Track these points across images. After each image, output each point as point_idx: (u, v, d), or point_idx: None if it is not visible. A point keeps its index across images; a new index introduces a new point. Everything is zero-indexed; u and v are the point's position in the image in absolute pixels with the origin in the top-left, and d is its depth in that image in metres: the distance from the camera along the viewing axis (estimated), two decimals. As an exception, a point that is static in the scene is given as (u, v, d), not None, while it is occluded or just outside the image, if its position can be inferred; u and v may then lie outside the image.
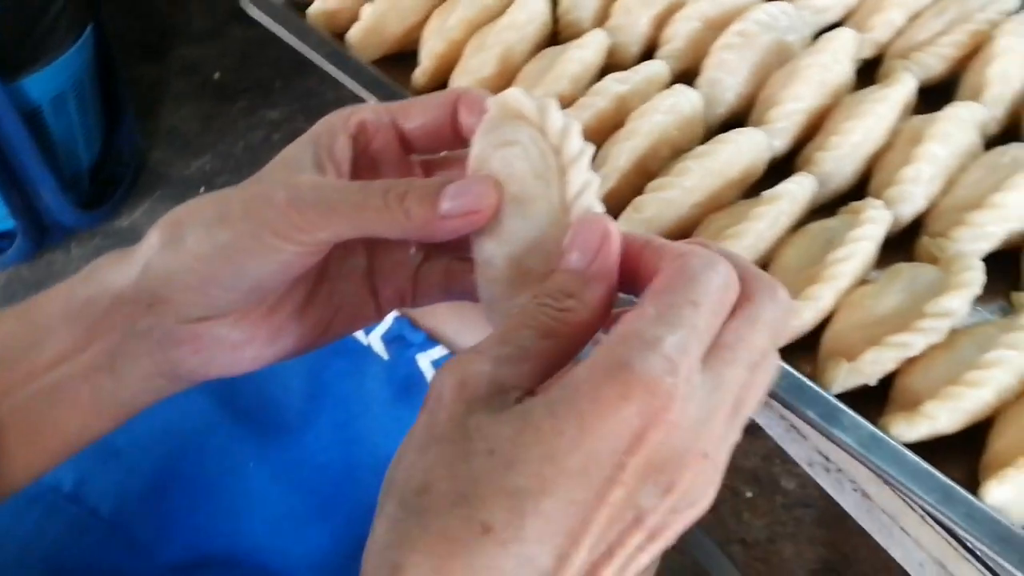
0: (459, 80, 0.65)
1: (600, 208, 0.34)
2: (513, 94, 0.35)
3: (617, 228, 0.33)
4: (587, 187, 0.34)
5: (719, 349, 0.31)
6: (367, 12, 0.68)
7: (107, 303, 0.37)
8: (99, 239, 1.76)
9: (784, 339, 0.33)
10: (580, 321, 0.32)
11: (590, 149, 0.34)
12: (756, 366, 0.31)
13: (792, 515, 1.49)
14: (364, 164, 0.39)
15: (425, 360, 0.72)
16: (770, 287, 0.32)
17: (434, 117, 0.39)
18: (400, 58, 0.72)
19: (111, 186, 1.75)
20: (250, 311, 0.38)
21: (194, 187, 1.86)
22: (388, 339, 0.69)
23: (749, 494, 1.50)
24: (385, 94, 0.66)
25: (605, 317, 0.32)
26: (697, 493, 0.30)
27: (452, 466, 0.29)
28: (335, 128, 0.38)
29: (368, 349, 0.70)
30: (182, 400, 0.42)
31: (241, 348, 0.38)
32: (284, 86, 2.11)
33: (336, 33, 0.72)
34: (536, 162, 0.34)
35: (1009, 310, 0.55)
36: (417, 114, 0.39)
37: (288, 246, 0.35)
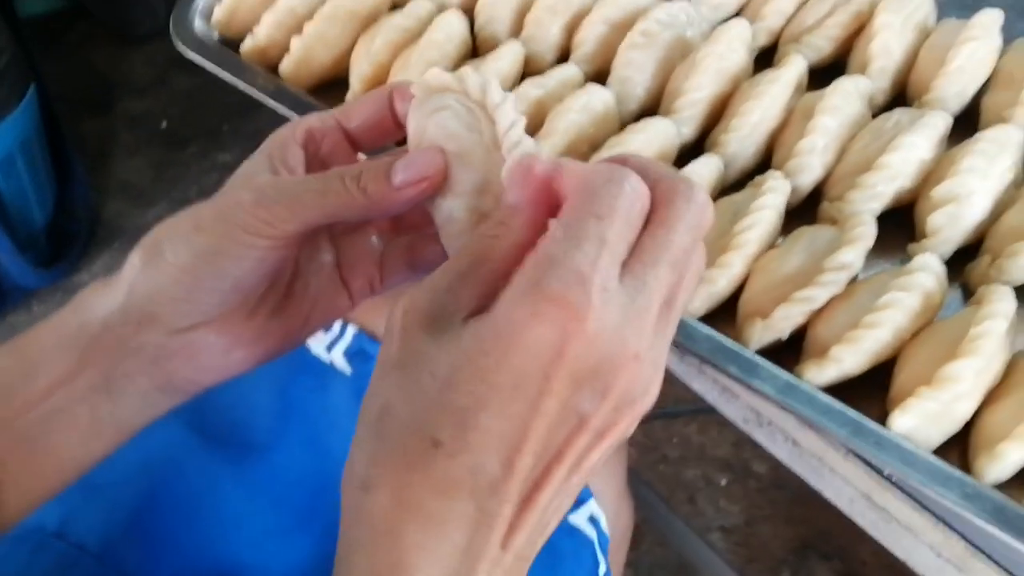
0: (388, 100, 0.70)
1: (529, 141, 0.38)
2: (433, 72, 0.40)
3: (546, 159, 0.35)
4: (514, 125, 0.38)
5: (638, 254, 0.33)
6: (296, 45, 0.72)
7: (97, 328, 0.40)
8: (60, 295, 1.77)
9: (703, 232, 0.35)
10: (509, 243, 0.34)
11: (511, 95, 0.38)
12: (679, 264, 0.34)
13: (767, 497, 1.53)
14: (316, 167, 0.43)
15: (384, 363, 0.75)
16: (685, 189, 0.34)
17: (373, 112, 0.43)
18: (332, 85, 0.76)
19: (68, 243, 1.76)
20: (233, 314, 0.41)
21: (151, 235, 1.89)
22: (350, 354, 0.72)
23: (723, 481, 1.54)
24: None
25: (535, 238, 0.34)
26: (637, 391, 0.33)
27: (403, 389, 0.32)
28: (285, 139, 0.42)
29: (331, 366, 0.72)
30: (156, 430, 0.44)
31: (230, 351, 0.41)
32: (232, 129, 2.14)
33: (269, 67, 0.76)
34: (466, 118, 0.39)
35: (908, 262, 0.60)
36: (358, 113, 0.43)
37: (261, 241, 0.38)
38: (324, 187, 0.39)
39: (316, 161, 0.43)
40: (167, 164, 2.06)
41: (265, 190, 0.39)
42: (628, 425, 0.34)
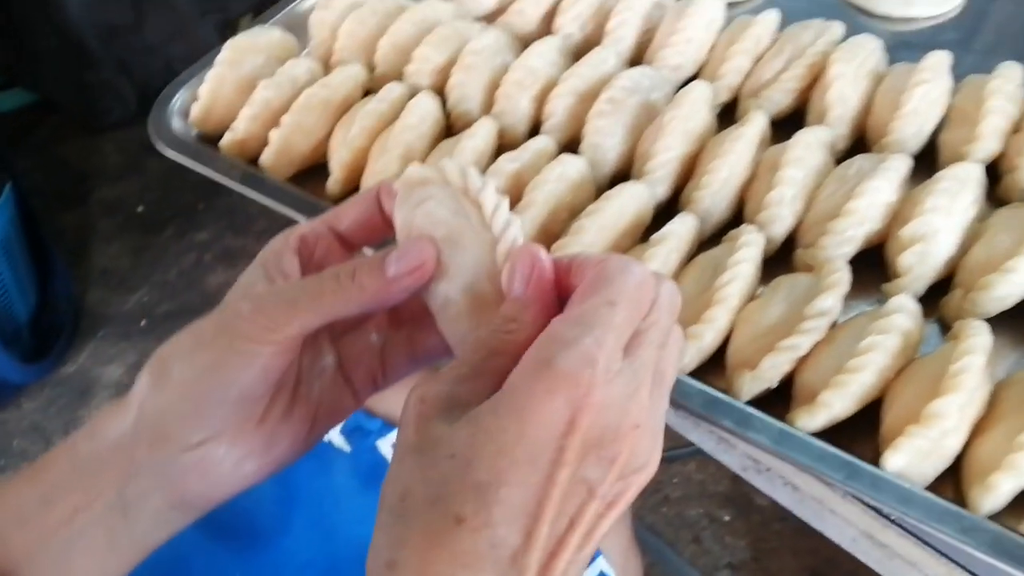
0: (369, 182, 0.71)
1: (516, 221, 0.41)
2: (412, 168, 0.42)
3: (546, 253, 0.38)
4: (499, 208, 0.40)
5: (634, 337, 0.36)
6: (275, 136, 0.75)
7: (110, 450, 0.40)
8: (48, 389, 1.77)
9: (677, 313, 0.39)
10: (522, 339, 0.37)
11: (492, 179, 0.41)
12: (664, 344, 0.37)
13: (771, 530, 1.53)
14: (311, 273, 0.44)
15: (386, 445, 0.76)
16: (659, 280, 0.38)
17: (362, 213, 0.44)
18: (311, 172, 0.78)
19: (52, 335, 1.76)
20: (242, 425, 0.41)
21: (135, 321, 1.89)
22: (347, 432, 0.73)
23: (727, 517, 1.55)
24: (304, 207, 0.72)
25: (538, 333, 0.37)
26: (640, 459, 0.36)
27: (423, 471, 0.34)
28: (279, 248, 0.43)
29: (329, 445, 0.73)
30: None
31: (241, 463, 0.41)
32: (207, 207, 2.16)
33: (249, 159, 0.78)
34: (450, 204, 0.41)
35: (884, 301, 0.62)
36: (347, 215, 0.44)
37: (263, 348, 0.39)
38: (320, 288, 0.40)
39: (311, 266, 0.44)
40: (145, 248, 2.07)
41: (262, 297, 0.40)
42: (633, 494, 0.36)
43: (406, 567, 0.33)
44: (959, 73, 0.71)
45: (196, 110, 0.79)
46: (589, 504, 0.35)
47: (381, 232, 0.45)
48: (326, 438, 0.71)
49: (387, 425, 0.73)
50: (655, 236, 0.62)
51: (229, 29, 2.36)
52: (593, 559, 0.72)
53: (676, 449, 1.48)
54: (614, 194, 0.64)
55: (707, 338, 0.58)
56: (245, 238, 2.09)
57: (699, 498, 1.55)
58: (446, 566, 0.32)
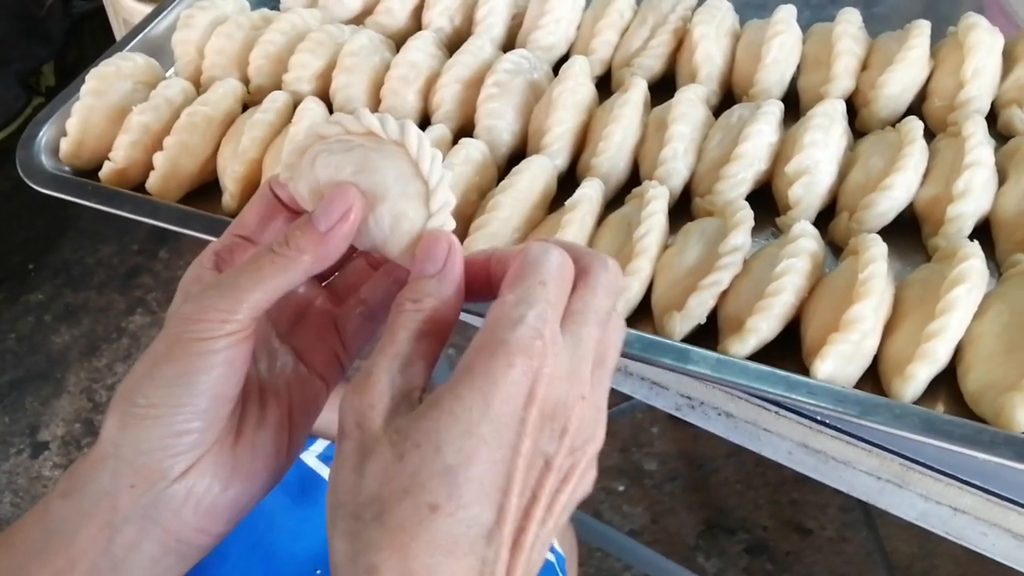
0: (268, 193, 0.71)
1: (448, 175, 0.41)
2: (285, 151, 0.42)
3: (456, 246, 0.39)
4: (386, 118, 0.41)
5: (571, 315, 0.37)
6: (160, 159, 0.73)
7: (89, 506, 0.38)
8: None
9: (620, 296, 0.41)
10: (441, 318, 0.38)
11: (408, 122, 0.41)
12: (605, 323, 0.39)
13: (663, 492, 1.60)
14: None
15: (311, 458, 0.75)
16: (600, 259, 0.40)
17: (262, 210, 0.44)
18: (200, 193, 0.77)
19: None
20: (221, 444, 0.40)
21: (-20, 395, 1.77)
22: None
23: (621, 488, 1.60)
24: (203, 225, 0.70)
25: (458, 314, 0.39)
26: (588, 431, 0.37)
27: (389, 470, 0.34)
28: (195, 271, 0.42)
29: None
30: None
31: (230, 485, 0.40)
32: (39, 266, 2.04)
33: (132, 187, 0.75)
34: (342, 145, 0.41)
35: (779, 233, 0.67)
36: (250, 218, 0.44)
37: (220, 342, 0.38)
38: (258, 265, 0.39)
39: None
40: (-24, 318, 1.94)
41: (203, 295, 0.39)
42: (584, 469, 0.38)
43: (387, 568, 0.33)
44: (800, 26, 0.77)
45: (67, 144, 0.76)
46: (547, 476, 0.36)
47: (288, 220, 0.45)
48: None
49: (308, 438, 0.73)
50: (569, 202, 0.65)
51: (32, 78, 2.24)
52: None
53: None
54: (522, 168, 0.67)
55: (635, 288, 0.62)
56: (86, 292, 1.99)
57: (592, 474, 1.61)
58: (427, 556, 0.33)
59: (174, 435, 0.38)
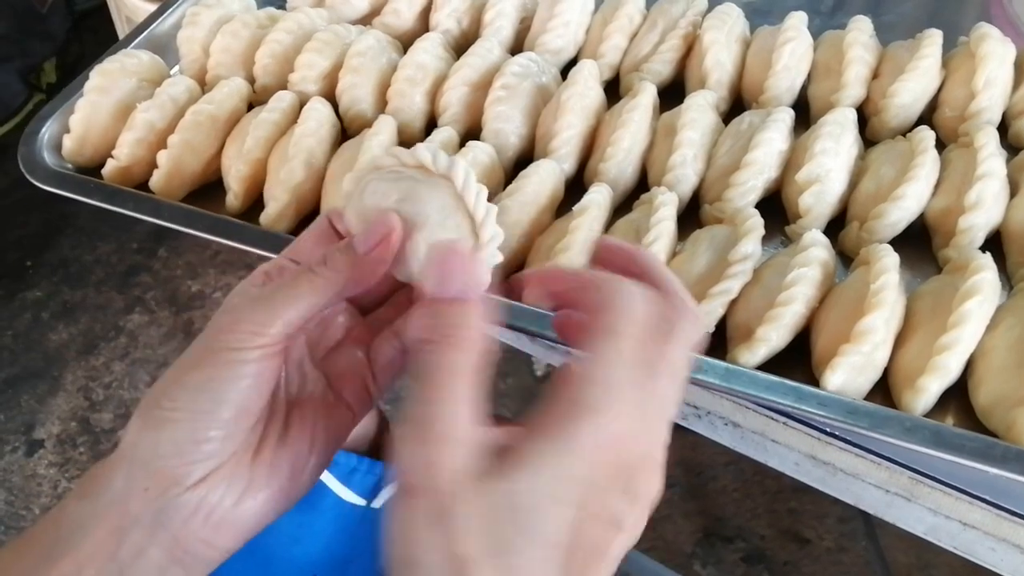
0: (272, 192, 0.70)
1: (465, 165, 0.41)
2: (346, 180, 0.42)
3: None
4: (438, 152, 0.41)
5: (652, 367, 0.36)
6: (163, 158, 0.72)
7: (102, 509, 0.38)
8: None
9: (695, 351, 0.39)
10: (487, 349, 0.37)
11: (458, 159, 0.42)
12: (677, 377, 0.37)
13: (661, 499, 1.59)
14: None
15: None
16: (688, 310, 0.38)
17: (318, 240, 0.44)
18: (204, 191, 0.76)
19: None
20: (239, 457, 0.39)
21: (-25, 390, 1.76)
22: None
23: (617, 493, 1.60)
24: (206, 225, 0.69)
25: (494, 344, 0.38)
26: (653, 488, 0.37)
27: (475, 529, 0.32)
28: (242, 287, 0.42)
29: None
30: None
31: (243, 500, 0.39)
32: (37, 263, 2.03)
33: (135, 186, 0.75)
34: (393, 174, 0.42)
35: (788, 241, 0.67)
36: (305, 245, 0.44)
37: (250, 354, 0.38)
38: (296, 282, 0.40)
39: None
40: (-25, 314, 1.93)
41: (240, 306, 0.40)
42: (644, 520, 0.37)
43: None
44: (810, 34, 0.77)
45: (70, 141, 0.76)
46: (617, 537, 0.35)
47: None
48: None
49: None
50: (576, 207, 0.64)
51: (33, 75, 2.24)
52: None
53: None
54: (530, 172, 0.66)
55: (642, 295, 0.61)
56: (84, 290, 1.98)
57: (590, 480, 1.60)
58: None
59: (193, 441, 0.38)
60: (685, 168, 0.67)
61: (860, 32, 0.73)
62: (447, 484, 0.33)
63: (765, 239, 0.63)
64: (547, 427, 0.34)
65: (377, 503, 0.75)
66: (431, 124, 0.76)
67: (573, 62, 0.77)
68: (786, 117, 0.68)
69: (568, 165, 0.70)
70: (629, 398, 0.35)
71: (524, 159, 0.72)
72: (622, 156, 0.69)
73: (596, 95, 0.73)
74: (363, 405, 0.45)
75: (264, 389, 0.39)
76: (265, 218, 0.69)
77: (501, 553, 0.32)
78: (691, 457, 1.63)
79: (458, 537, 0.32)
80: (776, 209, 0.68)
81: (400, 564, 0.33)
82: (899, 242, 0.62)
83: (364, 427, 0.77)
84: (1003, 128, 0.72)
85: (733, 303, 0.60)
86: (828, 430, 0.60)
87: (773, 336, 0.58)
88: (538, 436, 0.34)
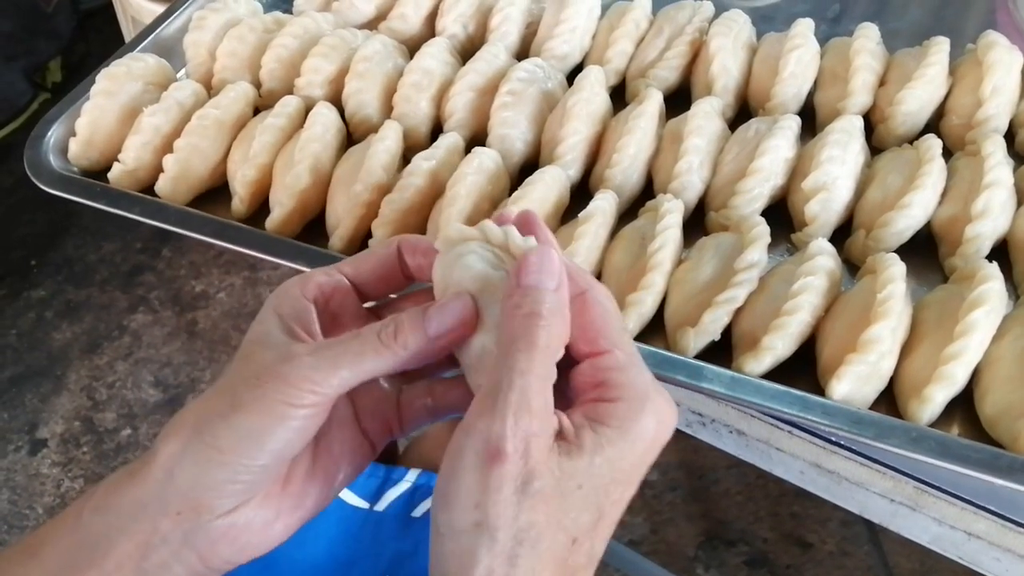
0: (278, 197, 0.70)
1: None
2: (453, 226, 0.43)
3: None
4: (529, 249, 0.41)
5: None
6: (170, 162, 0.72)
7: (127, 522, 0.38)
8: None
9: None
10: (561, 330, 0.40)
11: (532, 239, 0.42)
12: None
13: (664, 502, 1.60)
14: (326, 322, 0.43)
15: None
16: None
17: (381, 266, 0.45)
18: (210, 195, 0.76)
19: None
20: (270, 488, 0.40)
21: (-22, 391, 1.77)
22: None
23: (620, 496, 1.60)
24: (212, 230, 0.70)
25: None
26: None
27: (551, 503, 0.36)
28: (294, 297, 0.43)
29: None
30: None
31: (271, 525, 0.41)
32: (41, 262, 2.03)
33: (141, 189, 0.75)
34: (490, 257, 0.41)
35: (794, 249, 0.67)
36: (367, 267, 0.45)
37: (303, 411, 0.39)
38: (362, 347, 0.40)
39: (326, 315, 0.44)
40: (-21, 312, 1.93)
41: (302, 359, 0.39)
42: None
43: None
44: (816, 41, 0.77)
45: (76, 145, 0.76)
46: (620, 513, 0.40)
47: (397, 285, 0.46)
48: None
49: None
50: (582, 214, 0.64)
51: (38, 74, 2.24)
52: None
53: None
54: (536, 179, 0.66)
55: (648, 303, 0.61)
56: (88, 289, 1.98)
57: (592, 482, 1.60)
58: None
59: (232, 480, 0.39)
60: (691, 175, 0.67)
61: (867, 39, 0.73)
62: (540, 456, 0.36)
63: (771, 247, 0.63)
64: (616, 415, 0.38)
65: (380, 506, 0.75)
66: (437, 129, 0.76)
67: (579, 68, 0.77)
68: (792, 124, 0.68)
69: (574, 171, 0.70)
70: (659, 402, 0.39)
71: (530, 165, 0.72)
72: (628, 163, 0.69)
73: (602, 101, 0.73)
74: (382, 443, 0.46)
75: (304, 440, 0.40)
76: (271, 223, 0.69)
77: (567, 528, 0.36)
78: (693, 460, 1.63)
79: (536, 505, 0.36)
80: (782, 217, 0.68)
81: (470, 527, 0.36)
82: (905, 251, 0.62)
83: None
84: (1010, 136, 0.71)
85: (739, 311, 0.60)
86: (833, 439, 0.60)
87: (779, 345, 0.57)
88: (609, 423, 0.37)
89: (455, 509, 0.36)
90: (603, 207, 0.65)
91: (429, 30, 0.84)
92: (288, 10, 0.88)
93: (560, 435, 0.37)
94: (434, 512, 0.37)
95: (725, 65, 0.74)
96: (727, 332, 0.61)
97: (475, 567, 0.35)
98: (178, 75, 0.84)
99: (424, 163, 0.68)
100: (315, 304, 0.43)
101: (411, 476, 0.76)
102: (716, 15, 0.79)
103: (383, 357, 0.40)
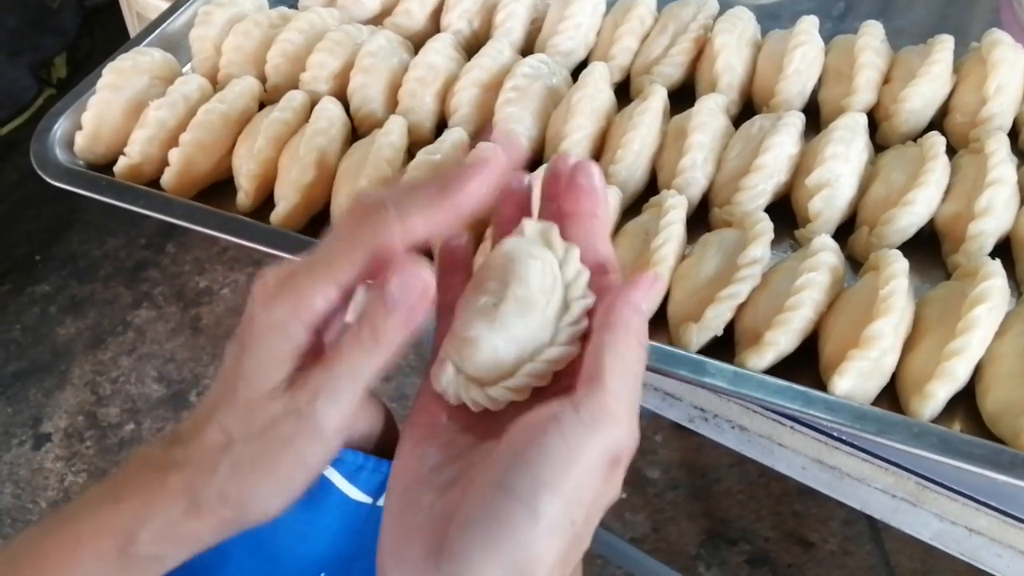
0: (283, 191, 0.70)
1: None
2: (539, 227, 0.42)
3: None
4: (578, 323, 0.40)
5: None
6: (175, 156, 0.72)
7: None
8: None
9: None
10: None
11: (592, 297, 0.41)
12: None
13: (666, 500, 1.60)
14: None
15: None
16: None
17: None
18: (215, 189, 0.76)
19: None
20: None
21: (-18, 385, 1.77)
22: None
23: (623, 495, 1.60)
24: (217, 223, 0.70)
25: None
26: None
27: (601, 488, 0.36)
28: (293, 333, 0.39)
29: None
30: None
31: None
32: (45, 257, 2.04)
33: (146, 183, 0.75)
34: (547, 280, 0.40)
35: (797, 246, 0.67)
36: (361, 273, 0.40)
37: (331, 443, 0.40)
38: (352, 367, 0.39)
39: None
40: (-19, 308, 1.94)
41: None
42: None
43: None
44: (821, 38, 0.77)
45: (82, 138, 0.76)
46: None
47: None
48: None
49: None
50: (586, 209, 0.64)
51: (44, 70, 2.24)
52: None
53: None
54: (540, 174, 0.66)
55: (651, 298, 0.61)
56: (92, 284, 1.99)
57: (594, 480, 1.60)
58: None
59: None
60: (695, 171, 0.68)
61: (871, 37, 0.73)
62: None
63: (774, 243, 0.63)
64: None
65: (383, 501, 0.75)
66: (441, 125, 0.76)
67: (584, 64, 0.77)
68: (797, 121, 0.68)
69: (578, 167, 0.70)
70: None
71: (535, 161, 0.73)
72: (632, 159, 0.69)
73: (606, 97, 0.73)
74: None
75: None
76: (275, 217, 0.69)
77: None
78: (695, 459, 1.63)
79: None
80: (785, 213, 0.68)
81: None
82: (908, 247, 0.62)
83: (370, 425, 0.77)
84: (1014, 134, 0.71)
85: (741, 307, 0.60)
86: (835, 435, 0.60)
87: (781, 340, 0.58)
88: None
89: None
90: (609, 203, 0.65)
91: (434, 26, 0.84)
92: (293, 5, 0.88)
93: None
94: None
95: (729, 62, 0.74)
96: (730, 328, 0.61)
97: (547, 550, 0.34)
98: (184, 70, 0.84)
99: (430, 158, 0.68)
100: (316, 335, 0.40)
101: None
102: (721, 12, 0.79)
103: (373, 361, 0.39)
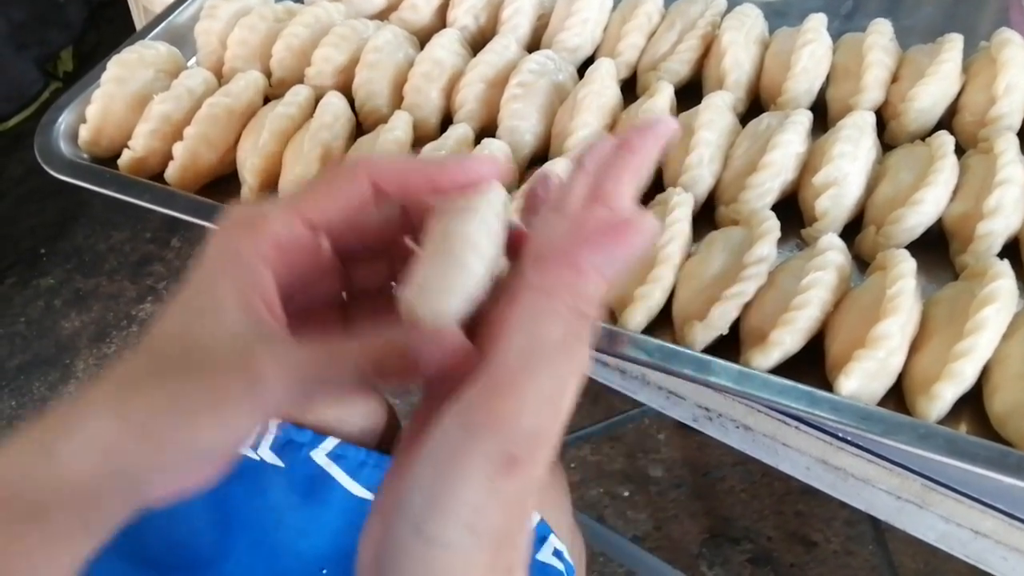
0: (288, 186, 0.70)
1: None
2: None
3: None
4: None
5: None
6: (179, 149, 0.72)
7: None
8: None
9: None
10: None
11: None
12: None
13: (668, 499, 1.59)
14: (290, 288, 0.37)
15: (320, 455, 0.74)
16: None
17: (351, 207, 0.36)
18: (219, 183, 0.76)
19: None
20: None
21: (-14, 377, 1.77)
22: (278, 448, 0.71)
23: (626, 493, 1.60)
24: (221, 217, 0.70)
25: None
26: None
27: None
28: (248, 262, 0.35)
29: (262, 463, 0.71)
30: (95, 570, 0.38)
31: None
32: (50, 251, 2.04)
33: (150, 177, 0.75)
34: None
35: (804, 245, 0.67)
36: (333, 209, 0.36)
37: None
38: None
39: (290, 276, 0.36)
40: (-12, 300, 1.94)
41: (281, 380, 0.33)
42: None
43: None
44: (829, 36, 0.76)
45: (86, 132, 0.76)
46: None
47: (377, 238, 0.39)
48: (257, 455, 0.69)
49: (318, 436, 0.72)
50: (591, 206, 0.64)
51: (50, 63, 2.24)
52: (546, 538, 0.73)
53: (571, 434, 1.53)
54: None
55: (656, 296, 0.61)
56: (97, 278, 1.99)
57: (597, 478, 1.60)
58: None
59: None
60: (701, 169, 0.67)
61: (879, 35, 0.72)
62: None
63: (781, 242, 0.62)
64: None
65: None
66: (447, 120, 0.76)
67: (590, 60, 0.77)
68: (804, 119, 0.67)
69: (584, 164, 0.70)
70: None
71: (539, 157, 0.72)
72: (638, 156, 0.68)
73: (613, 94, 0.72)
74: None
75: None
76: (279, 212, 0.69)
77: None
78: (698, 457, 1.63)
79: None
80: (792, 212, 0.68)
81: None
82: (916, 247, 0.62)
83: (372, 421, 0.77)
84: (1023, 134, 0.71)
85: (747, 306, 0.60)
86: (840, 435, 0.60)
87: (787, 340, 0.57)
88: None
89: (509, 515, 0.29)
90: (613, 200, 0.64)
91: (440, 21, 0.84)
92: (299, 0, 0.88)
93: None
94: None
95: (737, 59, 0.73)
96: (735, 326, 0.60)
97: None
98: (189, 63, 0.84)
99: (435, 154, 0.68)
100: (274, 268, 0.35)
101: None
102: (728, 9, 0.79)
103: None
